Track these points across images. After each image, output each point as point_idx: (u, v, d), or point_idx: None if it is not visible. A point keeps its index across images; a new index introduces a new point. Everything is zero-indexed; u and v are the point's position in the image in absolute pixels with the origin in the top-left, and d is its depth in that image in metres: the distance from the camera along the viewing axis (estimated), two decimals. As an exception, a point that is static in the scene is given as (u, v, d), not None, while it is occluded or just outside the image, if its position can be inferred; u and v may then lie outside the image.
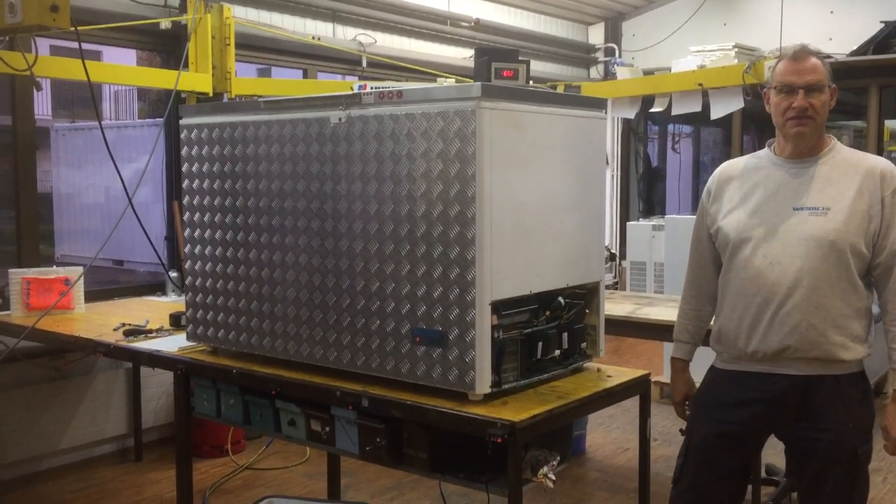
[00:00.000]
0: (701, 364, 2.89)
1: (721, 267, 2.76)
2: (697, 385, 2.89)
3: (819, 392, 2.57)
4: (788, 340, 2.55)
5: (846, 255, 2.52)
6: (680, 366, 2.93)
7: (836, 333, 2.53)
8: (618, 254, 8.95)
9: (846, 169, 2.58)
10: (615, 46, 9.55)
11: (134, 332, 4.01)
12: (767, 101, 2.67)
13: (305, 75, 6.79)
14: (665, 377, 6.12)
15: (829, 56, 7.25)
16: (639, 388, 3.09)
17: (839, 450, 2.55)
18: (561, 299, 2.95)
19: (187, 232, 3.51)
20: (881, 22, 7.53)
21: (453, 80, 6.35)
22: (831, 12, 8.23)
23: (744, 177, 2.72)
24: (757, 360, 2.63)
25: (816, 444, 2.58)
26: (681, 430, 2.90)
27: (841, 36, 7.93)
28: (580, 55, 9.59)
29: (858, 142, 9.12)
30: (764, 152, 2.74)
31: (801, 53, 2.60)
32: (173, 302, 5.05)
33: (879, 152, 8.18)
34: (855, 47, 7.62)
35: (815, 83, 2.56)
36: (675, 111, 6.56)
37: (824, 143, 2.64)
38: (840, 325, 2.54)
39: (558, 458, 2.68)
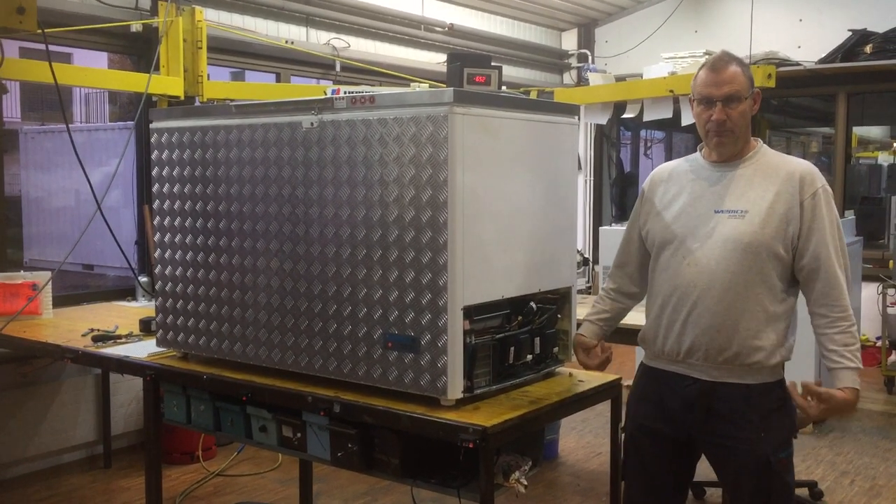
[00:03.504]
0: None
1: (647, 265, 2.80)
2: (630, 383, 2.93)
3: (728, 400, 2.58)
4: (699, 341, 2.57)
5: (762, 258, 2.53)
6: (578, 339, 2.96)
7: (749, 337, 2.54)
8: (591, 258, 8.99)
9: (767, 172, 2.60)
10: (588, 52, 9.61)
11: (103, 337, 3.96)
12: (693, 111, 2.69)
13: (279, 79, 6.76)
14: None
15: (800, 62, 7.37)
16: (610, 392, 3.10)
17: (750, 459, 2.56)
18: (533, 304, 2.95)
19: (158, 236, 3.48)
20: (849, 30, 7.66)
21: (427, 84, 6.35)
22: (800, 20, 8.34)
23: (672, 180, 2.76)
24: (672, 359, 2.66)
25: (729, 451, 2.60)
26: (621, 428, 2.93)
27: (810, 43, 8.04)
28: (553, 61, 9.63)
29: (827, 148, 9.25)
30: (695, 156, 2.78)
31: (720, 63, 2.60)
32: (143, 307, 5.00)
33: (847, 159, 8.31)
34: (824, 55, 7.74)
35: (732, 94, 2.57)
36: (646, 117, 6.60)
37: (749, 147, 2.66)
38: (752, 329, 2.54)
39: (530, 462, 2.69)
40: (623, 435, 2.88)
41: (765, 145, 2.70)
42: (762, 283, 2.54)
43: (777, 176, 2.58)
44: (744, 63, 2.63)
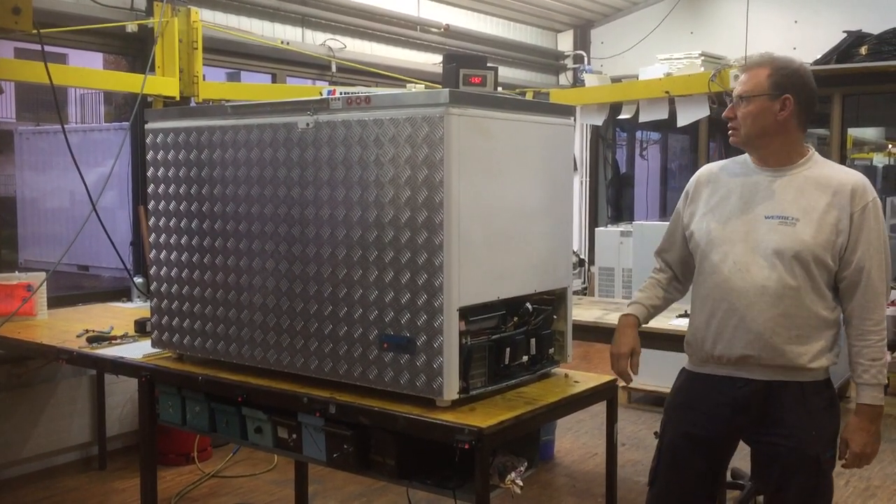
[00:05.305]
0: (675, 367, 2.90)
1: (688, 262, 2.81)
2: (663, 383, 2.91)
3: (782, 398, 2.59)
4: (752, 348, 2.57)
5: (811, 267, 2.53)
6: (630, 321, 2.84)
7: (800, 343, 2.55)
8: (587, 259, 9.00)
9: (819, 181, 2.59)
10: (584, 54, 9.61)
11: (97, 338, 3.95)
12: None
13: (274, 80, 6.75)
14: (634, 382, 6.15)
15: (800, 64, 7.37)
16: (606, 393, 3.10)
17: (801, 456, 2.57)
18: (529, 305, 2.95)
19: (153, 237, 3.47)
20: (844, 31, 7.66)
21: (423, 85, 6.35)
22: (796, 22, 8.36)
23: (720, 181, 2.74)
24: (722, 363, 2.66)
25: (779, 449, 2.60)
26: (655, 433, 2.92)
27: (805, 45, 8.04)
28: (549, 62, 9.64)
29: (822, 149, 9.24)
30: (742, 158, 2.75)
31: (749, 62, 2.64)
32: (138, 308, 4.99)
33: (843, 160, 8.32)
34: (819, 56, 7.74)
35: (742, 93, 2.59)
36: (642, 118, 6.62)
37: (800, 154, 2.64)
38: (804, 335, 2.55)
39: (526, 463, 2.69)
40: (658, 440, 2.85)
41: (817, 153, 2.67)
42: (813, 290, 2.55)
43: (829, 186, 2.57)
44: (777, 66, 2.59)
